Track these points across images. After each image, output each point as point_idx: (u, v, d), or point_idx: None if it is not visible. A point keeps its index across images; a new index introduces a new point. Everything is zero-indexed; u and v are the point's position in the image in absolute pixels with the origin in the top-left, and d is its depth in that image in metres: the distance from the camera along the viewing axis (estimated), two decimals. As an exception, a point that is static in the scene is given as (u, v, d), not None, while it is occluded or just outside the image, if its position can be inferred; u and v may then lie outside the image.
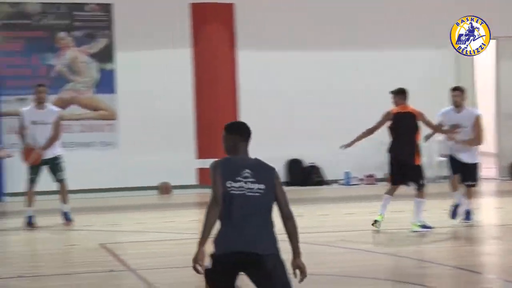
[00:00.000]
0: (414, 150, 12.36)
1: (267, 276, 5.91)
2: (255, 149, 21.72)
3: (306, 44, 19.57)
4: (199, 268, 5.85)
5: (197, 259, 5.85)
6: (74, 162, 16.73)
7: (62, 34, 18.61)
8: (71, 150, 17.59)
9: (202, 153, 19.01)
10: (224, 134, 6.15)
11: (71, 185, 14.48)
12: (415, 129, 12.41)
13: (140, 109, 18.68)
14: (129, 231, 13.39)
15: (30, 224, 13.50)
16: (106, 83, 18.80)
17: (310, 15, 19.64)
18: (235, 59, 19.34)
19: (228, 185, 5.97)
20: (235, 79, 19.36)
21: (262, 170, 6.10)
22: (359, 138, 12.65)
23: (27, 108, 14.06)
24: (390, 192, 12.53)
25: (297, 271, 6.00)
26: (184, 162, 18.73)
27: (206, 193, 12.95)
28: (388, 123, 12.54)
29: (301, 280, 5.99)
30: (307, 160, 19.83)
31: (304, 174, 19.79)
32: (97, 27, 18.80)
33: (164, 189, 18.40)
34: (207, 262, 5.91)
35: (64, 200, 13.79)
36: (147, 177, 18.40)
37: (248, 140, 6.20)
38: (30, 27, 18.38)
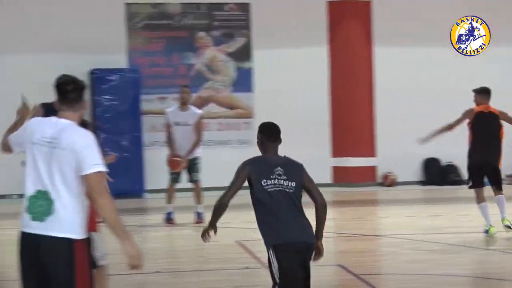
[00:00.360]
0: (499, 152, 11.93)
1: (308, 263, 6.43)
2: (392, 147, 21.62)
3: (444, 39, 19.23)
4: (207, 237, 6.74)
5: (208, 230, 6.75)
6: (212, 160, 17.05)
7: (201, 34, 18.96)
8: (209, 148, 17.93)
9: (337, 152, 19.00)
10: (257, 133, 6.72)
11: (209, 182, 14.72)
12: (499, 129, 11.94)
13: (276, 107, 18.78)
14: (264, 228, 13.49)
15: (169, 220, 13.79)
16: (243, 81, 19.03)
17: (449, 9, 19.27)
18: (372, 57, 19.22)
19: (264, 183, 6.44)
20: (372, 77, 19.24)
21: (292, 168, 6.57)
22: (437, 132, 12.36)
23: (171, 109, 14.30)
24: (482, 199, 12.02)
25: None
26: (319, 160, 18.76)
27: (341, 192, 12.98)
28: (467, 122, 12.10)
29: (316, 259, 6.52)
30: (445, 159, 19.50)
31: (441, 173, 19.47)
32: (235, 27, 19.05)
33: (301, 186, 18.44)
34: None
35: (199, 201, 13.83)
36: (283, 175, 18.51)
37: (276, 140, 6.66)
38: (171, 27, 18.80)
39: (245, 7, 19.05)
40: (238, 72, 19.07)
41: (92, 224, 7.19)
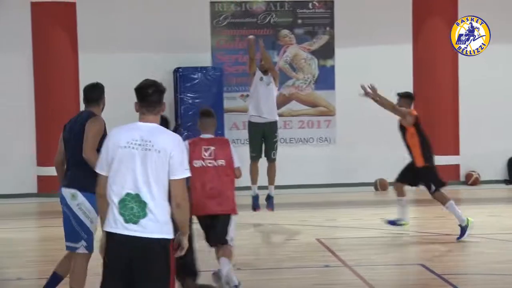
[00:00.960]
0: None
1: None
2: (475, 145, 21.14)
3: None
4: None
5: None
6: (292, 158, 17.12)
7: (285, 32, 19.03)
8: (290, 146, 18.03)
9: (419, 150, 18.83)
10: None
11: (290, 180, 14.75)
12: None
13: (358, 106, 18.71)
14: (345, 226, 13.52)
15: (255, 208, 13.90)
16: (325, 79, 19.03)
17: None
18: (457, 55, 18.97)
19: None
20: (456, 75, 19.00)
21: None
22: (382, 101, 12.28)
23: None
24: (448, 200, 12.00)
25: None
26: (400, 158, 18.60)
27: (424, 190, 12.90)
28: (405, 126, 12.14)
29: None
30: (531, 158, 19.20)
31: (527, 172, 19.16)
32: (319, 24, 19.06)
33: (381, 185, 18.37)
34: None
35: (272, 181, 13.82)
36: (363, 173, 18.46)
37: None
38: (255, 25, 18.91)
39: (329, 5, 19.04)
40: (321, 70, 19.08)
41: (234, 207, 8.34)
